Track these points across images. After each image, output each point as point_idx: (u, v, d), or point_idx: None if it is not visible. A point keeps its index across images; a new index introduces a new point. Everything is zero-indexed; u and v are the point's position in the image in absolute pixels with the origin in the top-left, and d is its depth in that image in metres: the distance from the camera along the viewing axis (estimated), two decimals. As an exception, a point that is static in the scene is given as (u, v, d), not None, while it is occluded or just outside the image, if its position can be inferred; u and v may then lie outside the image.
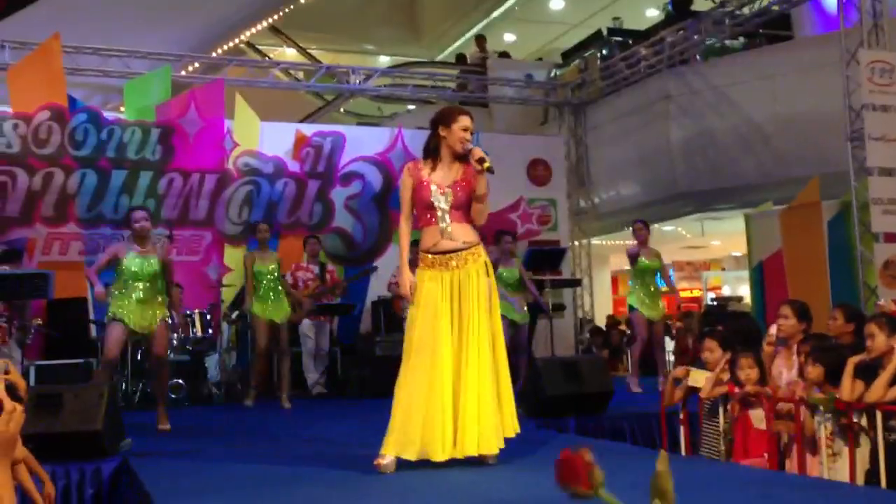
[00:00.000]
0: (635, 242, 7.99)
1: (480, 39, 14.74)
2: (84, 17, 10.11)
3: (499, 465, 3.79)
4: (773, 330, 4.78)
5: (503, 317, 7.79)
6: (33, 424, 4.13)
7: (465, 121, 3.92)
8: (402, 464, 3.76)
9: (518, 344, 7.85)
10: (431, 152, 3.98)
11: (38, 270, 7.93)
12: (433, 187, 3.88)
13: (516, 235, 9.63)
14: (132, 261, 5.86)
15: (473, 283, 3.82)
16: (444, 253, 3.85)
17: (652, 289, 7.91)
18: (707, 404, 4.67)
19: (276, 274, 7.50)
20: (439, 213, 3.86)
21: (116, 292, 5.90)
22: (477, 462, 3.77)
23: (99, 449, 4.44)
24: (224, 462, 4.40)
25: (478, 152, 3.86)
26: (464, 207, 3.89)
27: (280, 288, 7.52)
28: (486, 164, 3.82)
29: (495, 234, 8.18)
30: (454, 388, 3.74)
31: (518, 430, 3.91)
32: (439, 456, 3.68)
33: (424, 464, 3.74)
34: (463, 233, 3.88)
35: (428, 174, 3.93)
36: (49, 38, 8.88)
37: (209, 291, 8.79)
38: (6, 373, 3.20)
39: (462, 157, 3.91)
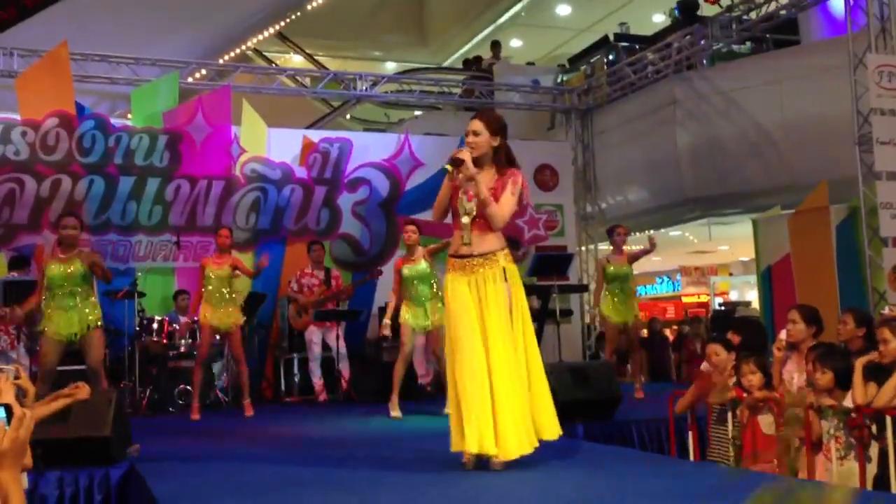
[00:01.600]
0: (641, 247, 8.04)
1: (495, 45, 14.72)
2: (92, 25, 10.16)
3: (508, 471, 3.78)
4: (782, 335, 4.78)
5: None
6: (42, 431, 4.13)
7: (471, 125, 4.00)
8: (416, 467, 3.77)
9: None
10: None
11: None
12: (461, 195, 3.94)
13: (519, 244, 9.64)
14: (54, 268, 5.87)
15: (490, 288, 3.87)
16: (462, 257, 3.93)
17: (623, 294, 7.92)
18: (715, 410, 4.66)
19: (227, 280, 7.22)
20: (463, 220, 3.92)
21: (44, 303, 5.89)
22: (482, 466, 3.77)
23: (107, 455, 4.44)
24: (231, 467, 4.41)
25: (456, 152, 3.92)
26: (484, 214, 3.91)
27: (232, 295, 7.28)
28: (446, 164, 3.89)
29: None
30: (490, 387, 3.76)
31: (560, 432, 3.98)
32: (475, 448, 3.71)
33: (434, 468, 3.74)
34: (482, 241, 3.92)
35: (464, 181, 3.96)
36: (57, 46, 8.93)
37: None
38: (16, 378, 3.21)
39: (491, 165, 3.98)
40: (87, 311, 5.87)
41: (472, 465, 3.79)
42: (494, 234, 3.94)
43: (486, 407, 3.72)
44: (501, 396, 3.75)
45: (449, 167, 3.89)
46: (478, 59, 15.38)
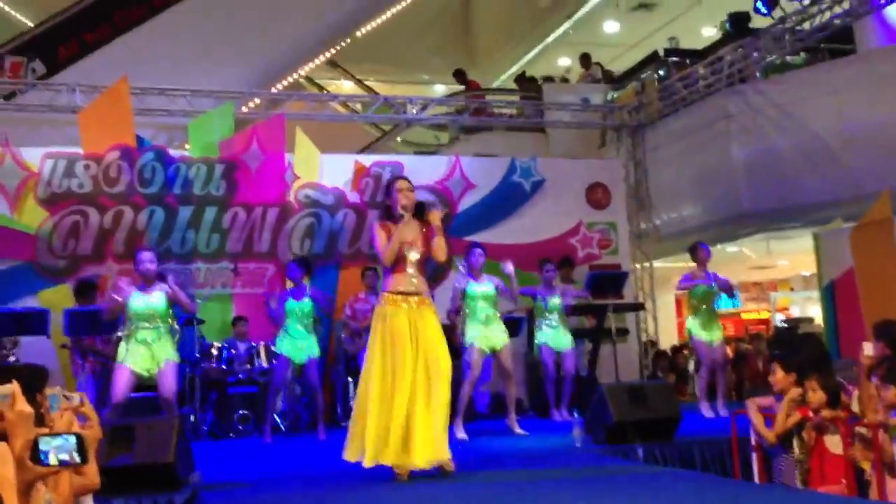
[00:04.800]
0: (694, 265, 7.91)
1: (584, 58, 14.47)
2: (149, 60, 10.46)
3: (563, 490, 3.74)
4: (868, 350, 4.63)
5: (546, 345, 7.94)
6: (107, 457, 4.23)
7: (404, 185, 4.73)
8: (482, 490, 3.74)
9: (564, 370, 8.04)
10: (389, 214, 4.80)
11: (104, 306, 8.12)
12: (406, 244, 4.62)
13: (572, 262, 9.57)
14: (136, 302, 5.94)
15: (428, 321, 4.58)
16: (406, 294, 4.60)
17: (711, 313, 7.77)
18: (779, 438, 4.50)
19: (306, 312, 7.43)
20: (411, 258, 4.63)
21: (124, 335, 5.98)
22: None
23: (171, 481, 4.51)
24: (292, 492, 4.44)
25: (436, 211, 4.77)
26: (424, 260, 4.68)
27: (311, 328, 7.48)
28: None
29: (539, 262, 8.33)
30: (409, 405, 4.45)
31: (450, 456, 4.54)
32: (422, 462, 4.41)
33: (501, 486, 3.71)
34: (421, 283, 4.68)
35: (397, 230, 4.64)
36: (117, 81, 9.21)
37: (274, 323, 8.88)
38: (81, 404, 3.30)
39: (416, 215, 4.68)
40: (164, 345, 5.98)
41: (408, 477, 4.40)
42: (425, 279, 4.72)
43: (430, 422, 4.36)
44: (423, 411, 4.42)
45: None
46: (520, 79, 15.27)
